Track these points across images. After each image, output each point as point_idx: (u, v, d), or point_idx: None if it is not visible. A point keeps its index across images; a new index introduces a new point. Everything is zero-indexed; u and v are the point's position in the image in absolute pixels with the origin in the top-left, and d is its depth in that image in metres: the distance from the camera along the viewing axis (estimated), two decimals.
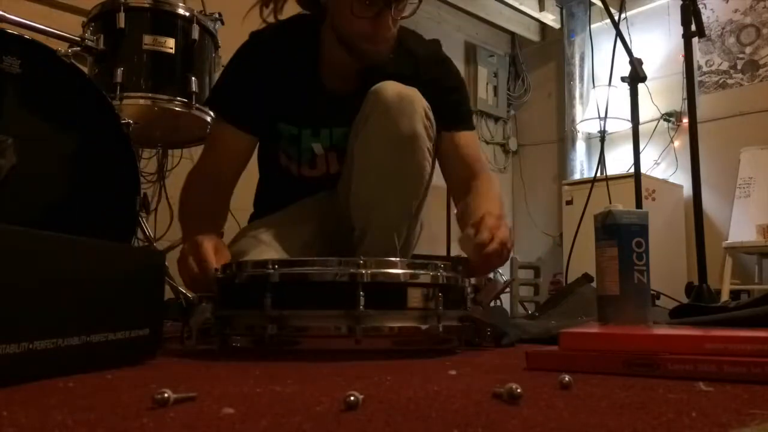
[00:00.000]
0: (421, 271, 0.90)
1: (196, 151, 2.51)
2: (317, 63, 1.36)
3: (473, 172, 1.37)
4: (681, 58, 3.72)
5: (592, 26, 3.87)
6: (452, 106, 1.37)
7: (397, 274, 0.89)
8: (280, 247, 1.31)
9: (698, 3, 1.78)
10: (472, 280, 1.00)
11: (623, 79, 1.98)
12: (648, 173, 3.89)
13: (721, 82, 3.92)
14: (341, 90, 1.36)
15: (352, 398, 0.48)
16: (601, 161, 2.39)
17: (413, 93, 1.25)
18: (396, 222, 1.27)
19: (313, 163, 1.42)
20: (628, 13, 4.10)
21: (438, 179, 1.40)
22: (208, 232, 1.12)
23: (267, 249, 1.29)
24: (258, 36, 1.38)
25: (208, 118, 1.91)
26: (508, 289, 3.73)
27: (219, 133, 1.40)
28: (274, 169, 1.46)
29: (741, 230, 3.25)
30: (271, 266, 0.87)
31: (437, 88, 1.33)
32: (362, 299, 0.84)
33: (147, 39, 1.77)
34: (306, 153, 1.40)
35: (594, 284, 1.19)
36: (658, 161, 4.09)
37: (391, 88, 1.24)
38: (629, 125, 2.99)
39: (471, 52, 4.74)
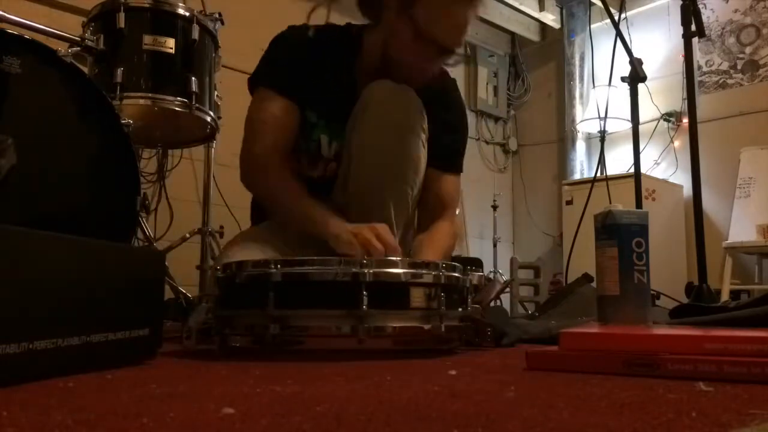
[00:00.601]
0: (423, 271, 0.90)
1: (197, 151, 2.53)
2: (354, 66, 1.39)
3: (441, 213, 1.41)
4: (681, 58, 3.72)
5: (592, 26, 3.87)
6: (449, 148, 1.43)
7: (399, 274, 0.89)
8: (274, 251, 1.30)
9: (698, 3, 1.78)
10: (473, 280, 1.00)
11: (623, 79, 1.97)
12: (648, 173, 3.89)
13: (721, 82, 3.92)
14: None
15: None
16: (601, 161, 2.39)
17: (407, 89, 1.29)
18: (394, 207, 1.29)
19: (314, 163, 1.41)
20: (628, 13, 4.10)
21: None
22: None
23: (260, 254, 1.28)
24: (300, 28, 1.40)
25: (208, 118, 1.92)
26: (507, 289, 3.73)
27: (268, 107, 1.35)
28: None
29: (741, 230, 3.25)
30: (272, 266, 0.87)
31: (441, 126, 1.38)
32: (365, 299, 0.84)
33: (147, 39, 1.77)
34: (313, 144, 1.40)
35: (594, 284, 1.19)
36: (658, 161, 4.09)
37: (386, 83, 1.28)
38: (629, 125, 2.99)
39: (471, 52, 4.74)
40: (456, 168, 1.46)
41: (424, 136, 1.32)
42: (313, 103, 1.38)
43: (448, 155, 1.43)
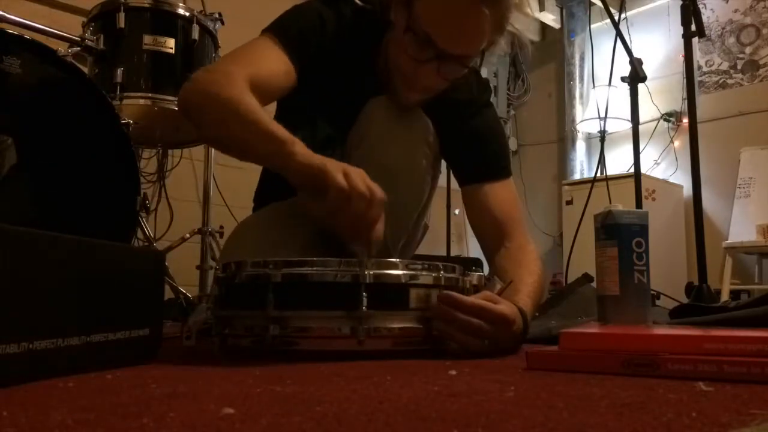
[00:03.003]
0: (423, 272, 0.90)
1: (196, 151, 2.52)
2: (374, 71, 1.21)
3: (505, 231, 1.20)
4: (681, 58, 3.72)
5: (592, 26, 3.87)
6: (488, 157, 1.24)
7: (399, 275, 0.89)
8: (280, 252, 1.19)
9: (698, 3, 1.78)
10: (473, 281, 1.00)
11: (623, 79, 1.98)
12: (648, 173, 3.89)
13: (721, 82, 3.92)
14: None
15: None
16: (601, 161, 2.39)
17: (409, 117, 1.15)
18: (389, 243, 1.17)
19: None
20: (628, 13, 4.10)
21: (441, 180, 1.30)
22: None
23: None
24: (331, 5, 1.18)
25: None
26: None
27: (264, 49, 1.10)
28: None
29: (741, 230, 3.26)
30: (272, 266, 0.87)
31: (475, 138, 1.24)
32: (365, 300, 0.84)
33: (147, 39, 1.78)
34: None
35: (594, 284, 1.19)
36: (658, 161, 4.09)
37: (385, 111, 1.13)
38: (629, 125, 2.98)
39: None
40: (499, 172, 1.24)
41: (430, 161, 1.19)
42: (324, 104, 1.19)
43: (493, 164, 1.24)
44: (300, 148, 0.92)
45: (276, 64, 1.08)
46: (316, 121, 1.19)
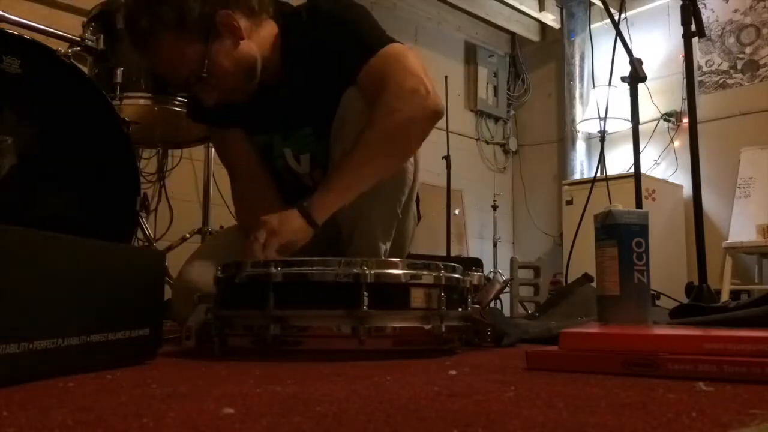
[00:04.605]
0: (424, 272, 0.90)
1: (196, 151, 2.52)
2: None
3: (376, 95, 1.16)
4: (681, 58, 3.72)
5: (592, 26, 3.88)
6: (347, 53, 1.19)
7: (400, 275, 0.89)
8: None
9: (698, 3, 1.78)
10: (473, 280, 1.00)
11: (623, 79, 1.98)
12: (648, 173, 3.89)
13: (721, 82, 3.92)
14: (270, 83, 1.27)
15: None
16: (601, 161, 2.39)
17: None
18: (381, 227, 1.26)
19: (299, 180, 1.37)
20: (628, 13, 4.11)
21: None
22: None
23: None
24: None
25: None
26: (507, 289, 3.73)
27: (222, 143, 1.39)
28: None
29: (741, 230, 3.26)
30: (273, 266, 0.87)
31: (332, 53, 1.20)
32: (366, 299, 0.84)
33: None
34: (280, 161, 1.36)
35: (594, 284, 1.19)
36: (658, 161, 4.09)
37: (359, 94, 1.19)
38: (629, 125, 2.98)
39: (471, 52, 4.75)
40: (365, 52, 1.18)
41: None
42: (247, 123, 1.34)
43: (351, 57, 1.19)
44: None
45: (240, 150, 1.36)
46: (253, 138, 1.37)
